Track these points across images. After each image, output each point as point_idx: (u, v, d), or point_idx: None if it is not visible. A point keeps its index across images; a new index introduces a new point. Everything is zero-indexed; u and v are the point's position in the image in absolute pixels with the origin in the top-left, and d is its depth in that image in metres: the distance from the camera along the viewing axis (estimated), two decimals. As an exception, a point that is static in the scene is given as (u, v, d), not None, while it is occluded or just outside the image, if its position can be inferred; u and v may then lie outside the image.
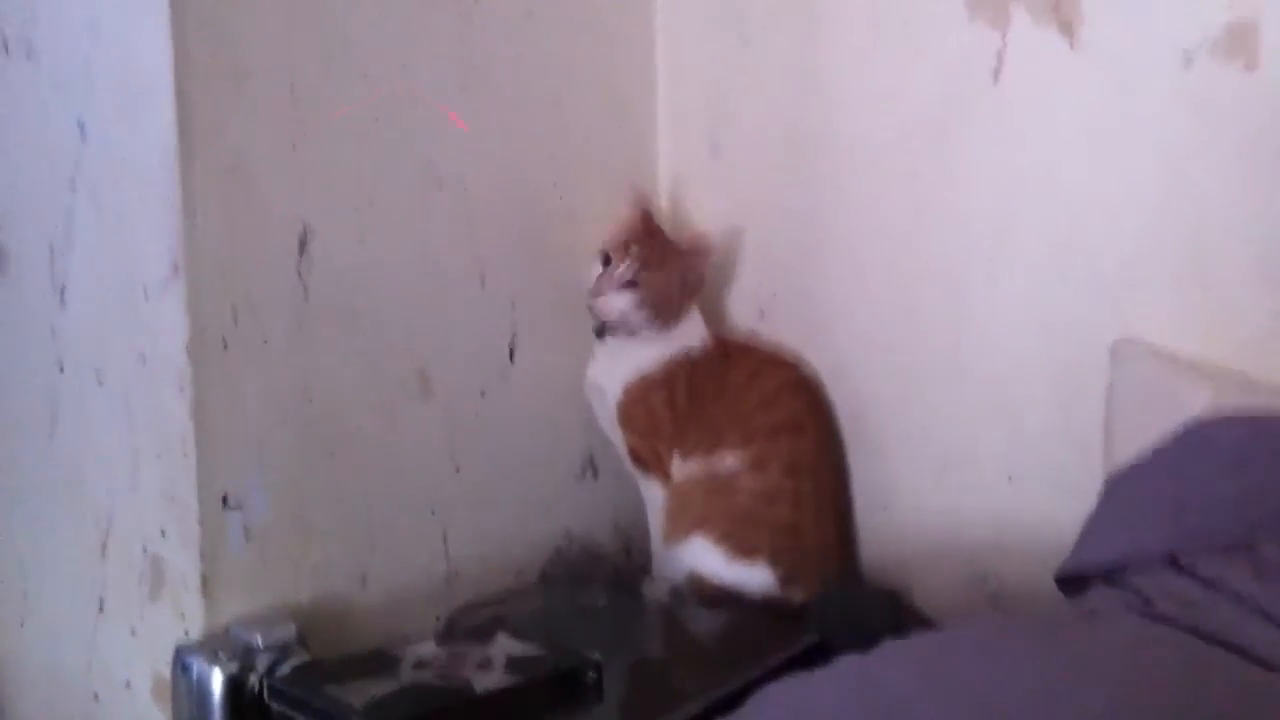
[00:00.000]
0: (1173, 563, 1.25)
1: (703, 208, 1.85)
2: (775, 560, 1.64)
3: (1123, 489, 1.38)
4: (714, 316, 1.84)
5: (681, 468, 1.72)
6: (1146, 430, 1.39)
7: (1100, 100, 1.51)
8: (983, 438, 1.64)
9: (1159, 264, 1.50)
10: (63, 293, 1.51)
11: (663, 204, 1.91)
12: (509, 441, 1.71)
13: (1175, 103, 1.46)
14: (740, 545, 1.65)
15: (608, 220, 1.78)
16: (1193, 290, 1.48)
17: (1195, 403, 1.39)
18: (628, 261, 1.69)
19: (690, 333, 1.74)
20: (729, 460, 1.67)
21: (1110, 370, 1.49)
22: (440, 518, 1.63)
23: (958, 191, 1.63)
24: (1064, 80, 1.53)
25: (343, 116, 1.49)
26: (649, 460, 1.75)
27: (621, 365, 1.74)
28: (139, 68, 1.37)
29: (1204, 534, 1.26)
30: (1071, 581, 1.34)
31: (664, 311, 1.72)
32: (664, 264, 1.71)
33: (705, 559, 1.66)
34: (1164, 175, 1.48)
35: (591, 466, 1.82)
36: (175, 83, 1.34)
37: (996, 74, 1.58)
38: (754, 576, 1.64)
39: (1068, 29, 1.52)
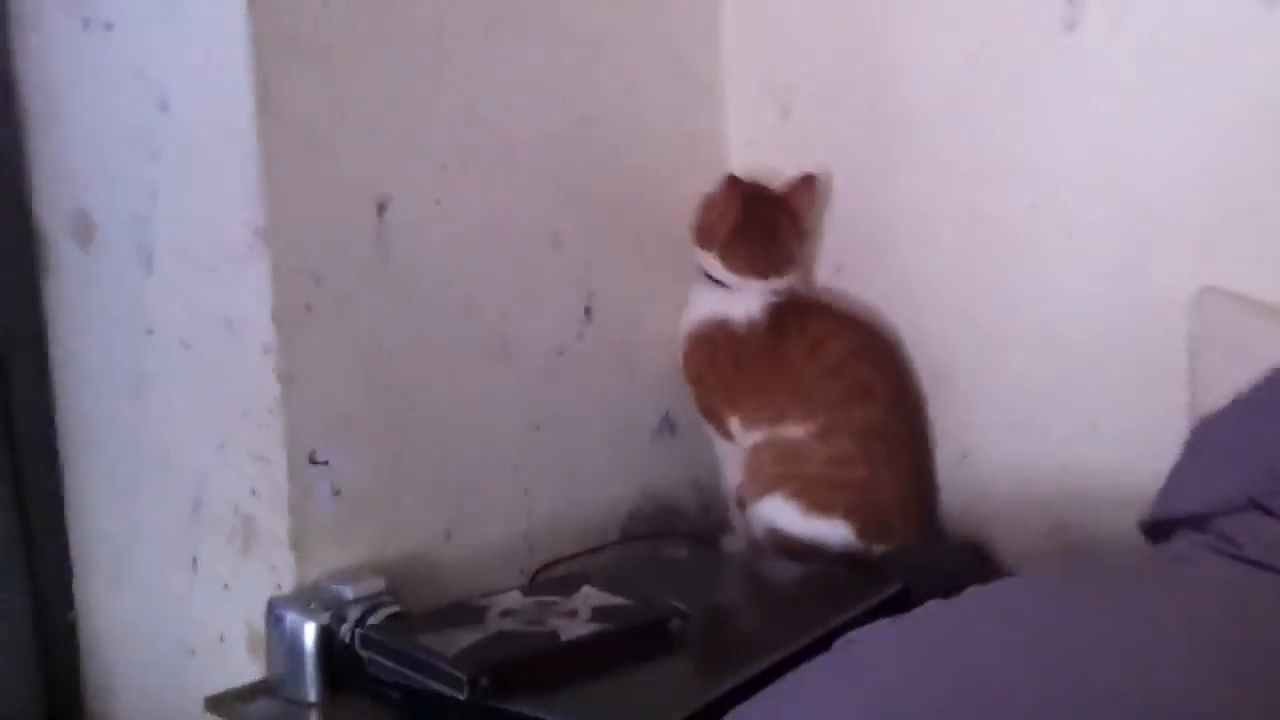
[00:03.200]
0: (1259, 507, 1.24)
1: (775, 168, 1.84)
2: (852, 516, 1.64)
3: (1208, 435, 1.36)
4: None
5: (746, 435, 1.72)
6: (1231, 377, 1.37)
7: (1180, 45, 1.49)
8: (1064, 387, 1.63)
9: (1244, 211, 1.48)
10: (149, 261, 1.54)
11: (733, 165, 1.91)
12: (587, 400, 1.73)
13: (1257, 44, 1.44)
14: (816, 502, 1.65)
15: (679, 182, 1.79)
16: (1277, 236, 1.46)
17: (1280, 349, 1.38)
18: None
19: (738, 301, 1.73)
20: (795, 431, 1.67)
21: (1194, 318, 1.47)
22: (521, 475, 1.65)
23: (1037, 142, 1.61)
24: (1142, 28, 1.51)
25: (418, 86, 1.51)
26: (710, 415, 1.76)
27: (689, 312, 1.76)
28: (217, 39, 1.39)
29: (1293, 477, 1.24)
30: (1157, 529, 1.33)
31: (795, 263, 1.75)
32: (782, 222, 1.73)
33: (782, 515, 1.66)
34: (1247, 119, 1.46)
35: (669, 425, 1.83)
36: (253, 54, 1.36)
37: (1073, 24, 1.56)
38: (832, 531, 1.64)
39: (1151, -32, 1.50)
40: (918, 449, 1.74)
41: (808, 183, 1.76)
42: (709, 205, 1.74)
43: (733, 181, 1.72)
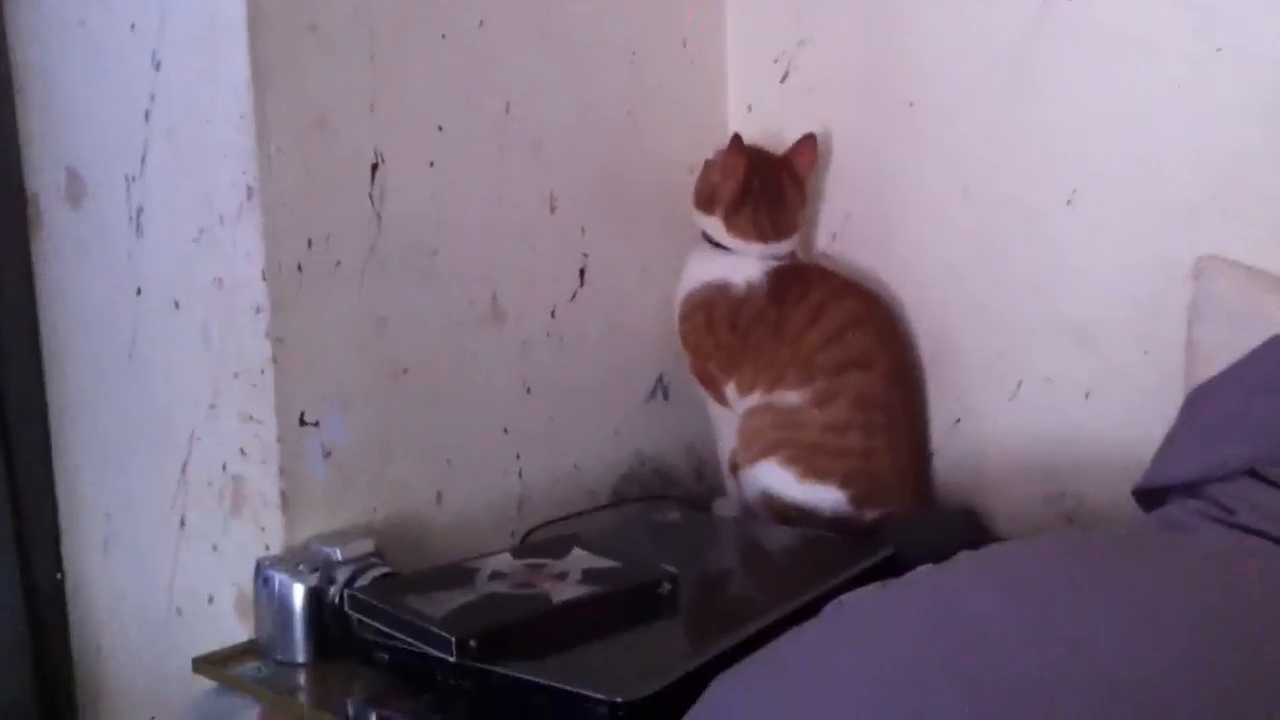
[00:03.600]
0: (1254, 474, 1.24)
1: (774, 133, 1.83)
2: (847, 483, 1.64)
3: (1204, 402, 1.36)
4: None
5: (741, 401, 1.71)
6: (1229, 345, 1.37)
7: (1181, 19, 1.48)
8: (1060, 354, 1.62)
9: (1243, 183, 1.47)
10: (139, 221, 1.53)
11: (731, 128, 1.89)
12: (579, 364, 1.72)
13: (1261, 19, 1.43)
14: (811, 468, 1.64)
15: (677, 146, 1.79)
16: (1276, 207, 1.45)
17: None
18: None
19: (738, 265, 1.72)
20: (791, 397, 1.66)
21: (1194, 286, 1.46)
22: (513, 438, 1.64)
23: (1036, 112, 1.61)
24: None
25: (414, 50, 1.50)
26: (704, 380, 1.75)
27: (687, 276, 1.76)
28: (212, 3, 1.38)
29: (1287, 444, 1.24)
30: (1150, 496, 1.32)
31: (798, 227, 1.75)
32: (785, 185, 1.73)
33: (776, 479, 1.66)
34: (1250, 94, 1.45)
35: (662, 388, 1.83)
36: (248, 17, 1.35)
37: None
38: (826, 496, 1.64)
39: (1150, -51, 1.48)
40: (914, 418, 1.73)
41: (809, 143, 1.75)
42: (712, 169, 1.73)
43: (737, 143, 1.71)
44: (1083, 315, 1.60)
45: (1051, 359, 1.64)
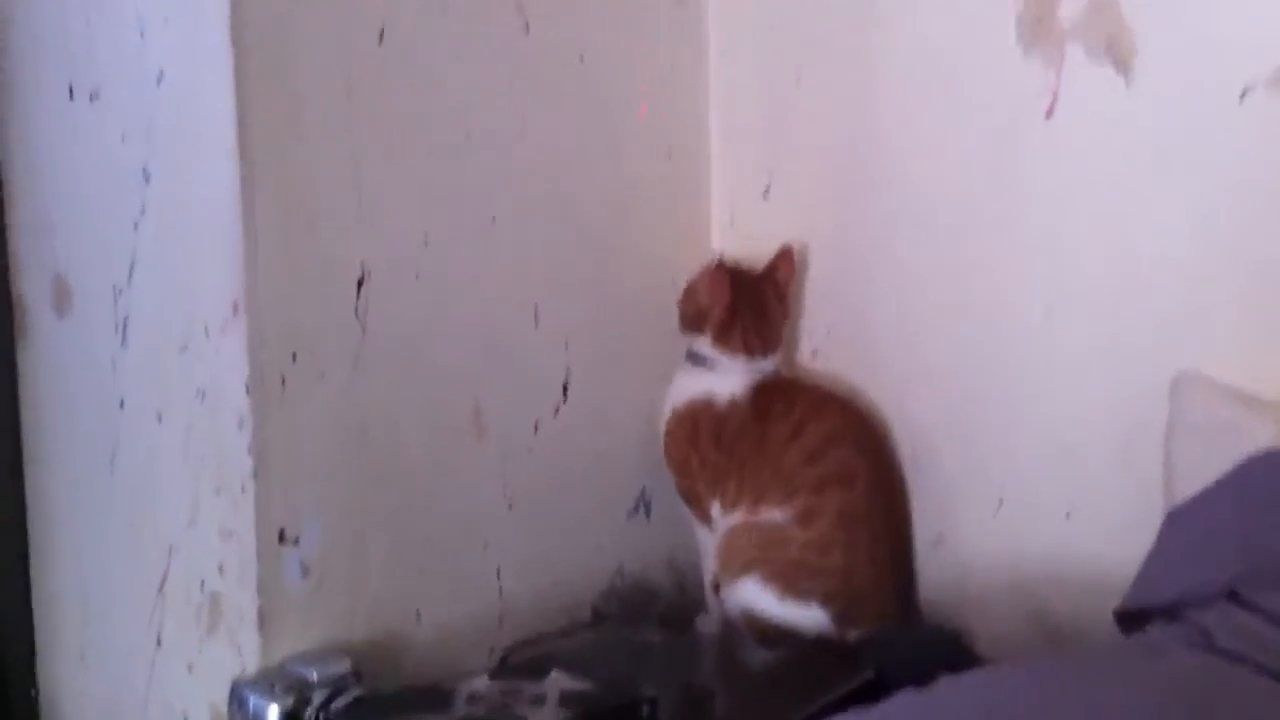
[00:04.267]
0: (1235, 597, 1.23)
1: (756, 245, 1.85)
2: (829, 601, 1.63)
3: (1184, 523, 1.36)
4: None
5: (725, 518, 1.70)
6: (1208, 464, 1.37)
7: (1156, 134, 1.50)
8: (1041, 472, 1.62)
9: (1219, 297, 1.48)
10: (124, 331, 1.54)
11: (714, 243, 1.92)
12: (562, 478, 1.72)
13: (1232, 136, 1.45)
14: (792, 588, 1.63)
15: (661, 261, 1.81)
16: (1254, 323, 1.47)
17: (1258, 436, 1.37)
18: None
19: (722, 380, 1.73)
20: (775, 514, 1.65)
21: (1171, 404, 1.47)
22: (493, 553, 1.64)
23: (1014, 227, 1.62)
24: (1119, 115, 1.52)
25: (401, 160, 1.52)
26: (690, 498, 1.75)
27: (671, 394, 1.76)
28: (203, 115, 1.40)
29: (1267, 568, 1.24)
30: (1131, 618, 1.32)
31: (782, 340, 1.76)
32: (769, 300, 1.75)
33: (757, 598, 1.64)
34: (1222, 208, 1.47)
35: (645, 503, 1.82)
36: (238, 131, 1.37)
37: (1050, 110, 1.58)
38: (808, 615, 1.62)
39: (1122, 65, 1.51)
40: (897, 535, 1.72)
41: (787, 257, 1.77)
42: (696, 291, 1.74)
43: (721, 266, 1.73)
44: (1063, 430, 1.60)
45: (1033, 474, 1.64)
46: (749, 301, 1.72)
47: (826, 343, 1.82)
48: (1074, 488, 1.60)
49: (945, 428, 1.71)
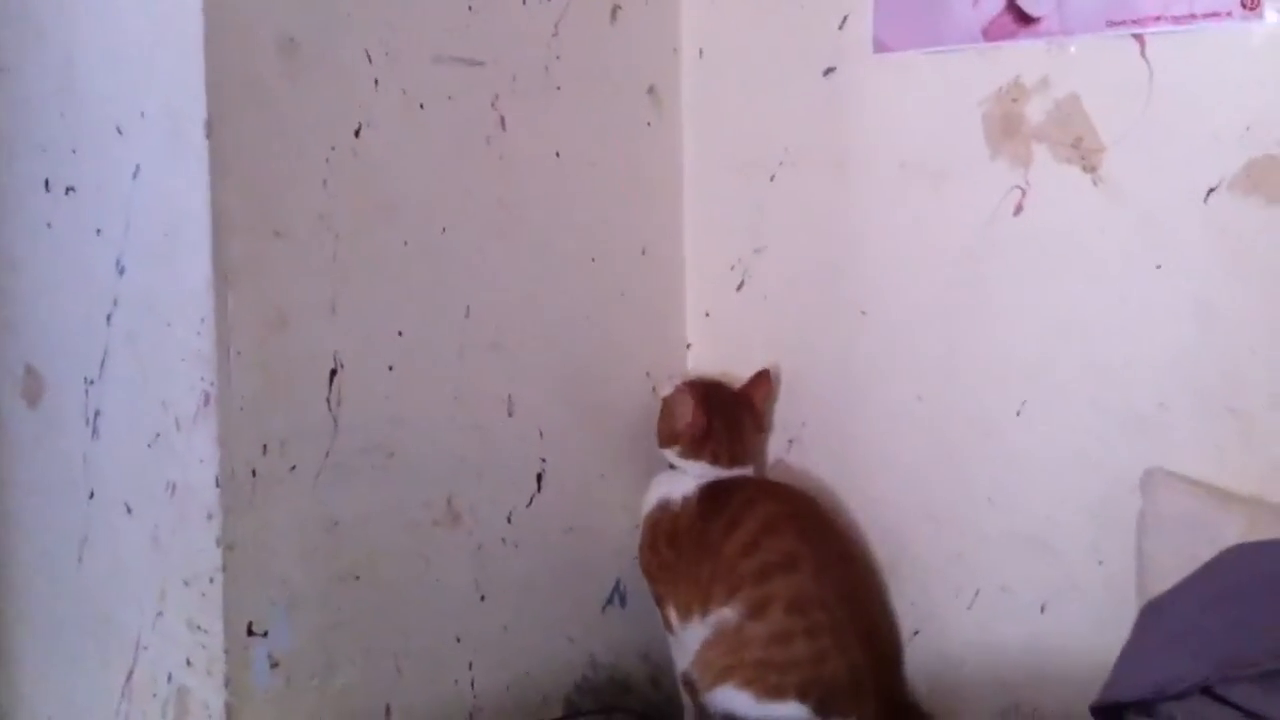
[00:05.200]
0: (1209, 692, 1.23)
1: (731, 339, 1.86)
2: (805, 694, 1.60)
3: (1158, 618, 1.36)
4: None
5: (685, 630, 1.69)
6: (1180, 559, 1.38)
7: (1123, 234, 1.54)
8: (1015, 566, 1.63)
9: (1188, 394, 1.51)
10: (95, 423, 1.54)
11: (689, 337, 1.93)
12: (536, 569, 1.71)
13: (1198, 236, 1.49)
14: (765, 686, 1.61)
15: (636, 353, 1.82)
16: (1222, 419, 1.48)
17: (1229, 531, 1.39)
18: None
19: (681, 482, 1.74)
20: (726, 613, 1.64)
21: (1142, 499, 1.48)
22: (465, 646, 1.62)
23: (986, 323, 1.65)
24: (1087, 214, 1.55)
25: (376, 253, 1.53)
26: (657, 602, 1.74)
27: (645, 499, 1.77)
28: (178, 210, 1.41)
29: (1241, 663, 1.23)
30: (1107, 712, 1.31)
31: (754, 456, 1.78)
32: (744, 419, 1.77)
33: (735, 703, 1.62)
34: (1189, 307, 1.50)
35: (619, 594, 1.81)
36: (212, 227, 1.38)
37: (1019, 208, 1.60)
38: (787, 712, 1.60)
39: (1089, 166, 1.55)
40: (865, 617, 1.69)
41: (764, 378, 1.80)
42: (671, 412, 1.75)
43: (693, 387, 1.75)
44: (1037, 523, 1.61)
45: (1008, 567, 1.64)
46: (724, 420, 1.75)
47: (802, 434, 1.83)
48: (1048, 581, 1.60)
49: (921, 521, 1.71)
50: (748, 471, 1.77)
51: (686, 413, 1.73)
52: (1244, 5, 1.45)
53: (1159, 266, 1.51)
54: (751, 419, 1.78)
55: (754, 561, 1.63)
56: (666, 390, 1.78)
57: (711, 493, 1.72)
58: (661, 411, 1.77)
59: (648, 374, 1.81)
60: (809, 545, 1.66)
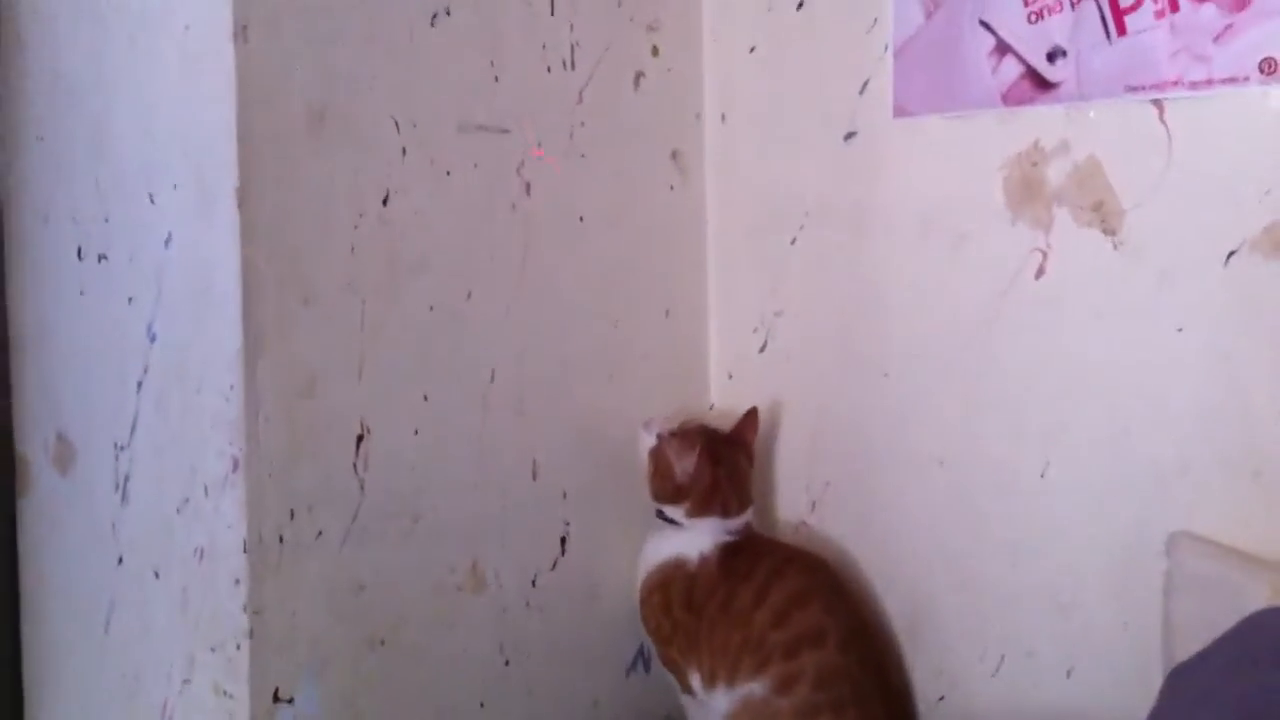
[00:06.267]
0: (1237, 761, 1.22)
1: (753, 402, 1.87)
2: (832, 764, 1.60)
3: (1183, 685, 1.35)
4: (764, 508, 1.85)
5: (710, 695, 1.67)
6: (1206, 622, 1.37)
7: (1144, 296, 1.54)
8: (1040, 630, 1.63)
9: (1210, 456, 1.51)
10: (125, 488, 1.55)
11: (713, 398, 1.94)
12: (559, 634, 1.71)
13: (1218, 299, 1.49)
14: None
15: (660, 412, 1.83)
16: (1245, 481, 1.49)
17: (1255, 595, 1.38)
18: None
19: (693, 540, 1.71)
20: (754, 688, 1.63)
21: (1167, 562, 1.48)
22: (490, 711, 1.62)
23: (1008, 384, 1.65)
24: (1107, 277, 1.57)
25: (403, 318, 1.54)
26: (670, 666, 1.72)
27: (645, 557, 1.75)
28: (208, 278, 1.42)
29: (1269, 730, 1.23)
30: (1134, 781, 1.30)
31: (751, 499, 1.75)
32: (740, 462, 1.75)
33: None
34: (1210, 369, 1.50)
35: (643, 659, 1.81)
36: (242, 294, 1.39)
37: (1041, 270, 1.61)
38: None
39: (1109, 229, 1.56)
40: (888, 689, 1.69)
41: (754, 417, 1.79)
42: (670, 467, 1.71)
43: (689, 437, 1.72)
44: (1062, 586, 1.61)
45: (1032, 631, 1.64)
46: (724, 467, 1.73)
47: (825, 496, 1.84)
48: (1074, 646, 1.60)
49: (945, 585, 1.71)
50: (748, 517, 1.74)
51: (689, 466, 1.70)
52: (1262, 70, 1.47)
53: (1180, 329, 1.52)
54: (747, 460, 1.76)
55: (783, 634, 1.62)
56: (648, 441, 1.74)
57: (732, 554, 1.70)
58: (655, 465, 1.73)
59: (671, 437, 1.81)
60: (834, 618, 1.65)
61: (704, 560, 1.70)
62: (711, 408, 1.94)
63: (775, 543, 1.78)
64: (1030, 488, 1.63)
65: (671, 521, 1.73)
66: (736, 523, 1.72)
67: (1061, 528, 1.61)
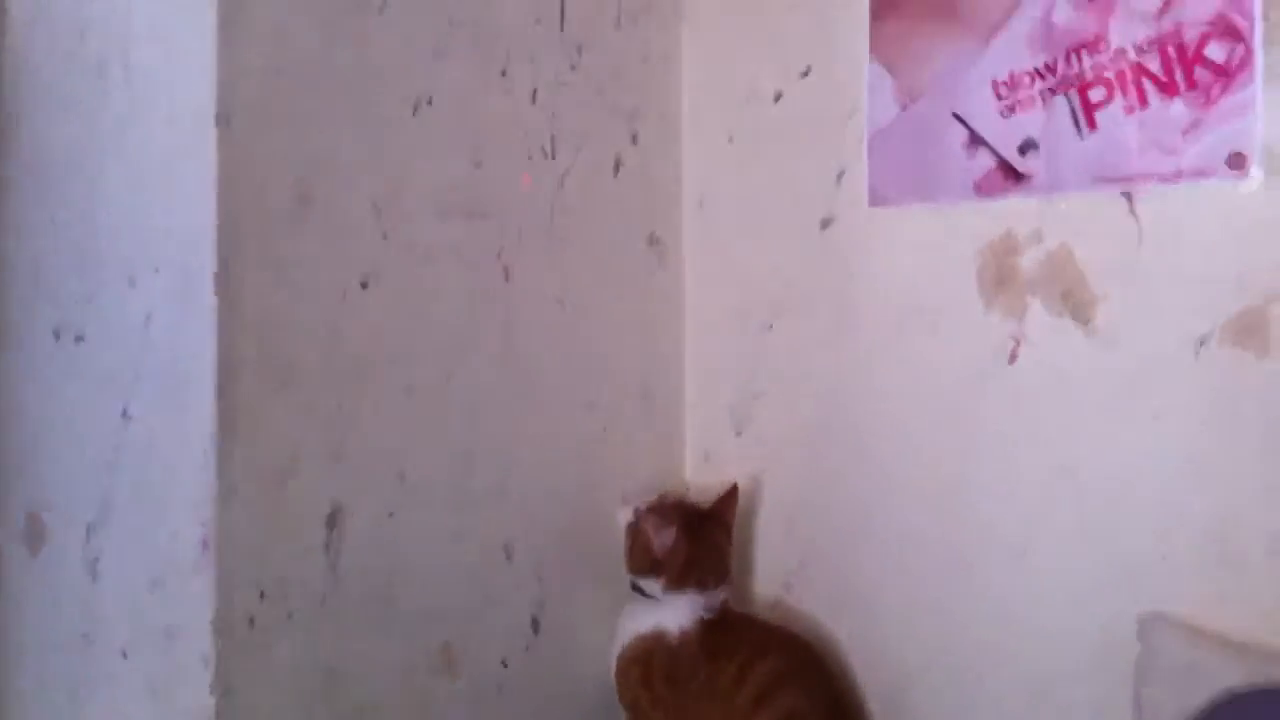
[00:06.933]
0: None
1: (729, 480, 1.87)
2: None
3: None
4: (741, 586, 1.85)
5: None
6: (1178, 706, 1.38)
7: (1117, 383, 1.56)
8: (1016, 715, 1.62)
9: (1181, 541, 1.52)
10: (95, 568, 1.54)
11: (688, 479, 1.94)
12: (531, 716, 1.70)
13: (1189, 386, 1.51)
14: None
15: (635, 493, 1.83)
16: (1219, 566, 1.49)
17: (1227, 677, 1.38)
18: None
19: (672, 614, 1.70)
20: None
21: (1139, 644, 1.48)
22: (460, 798, 1.60)
23: (983, 469, 1.67)
24: (1080, 364, 1.59)
25: (380, 400, 1.55)
26: None
27: (621, 631, 1.73)
28: (186, 359, 1.43)
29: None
30: None
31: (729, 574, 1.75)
32: (719, 537, 1.75)
33: None
34: (1181, 455, 1.52)
35: (615, 742, 1.80)
36: (218, 375, 1.39)
37: (1013, 357, 1.63)
38: None
39: (1082, 318, 1.58)
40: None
41: (734, 495, 1.79)
42: (647, 541, 1.71)
43: (667, 512, 1.72)
44: (1036, 671, 1.61)
45: (1008, 715, 1.63)
46: (702, 542, 1.72)
47: (799, 577, 1.84)
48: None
49: (920, 667, 1.71)
50: (727, 592, 1.74)
51: (667, 540, 1.69)
52: (1229, 165, 1.49)
53: (1155, 417, 1.53)
54: (724, 535, 1.76)
55: (766, 716, 1.62)
56: (626, 516, 1.74)
57: (713, 631, 1.69)
58: (632, 540, 1.73)
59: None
60: (815, 701, 1.65)
61: (684, 635, 1.69)
62: (688, 489, 1.94)
63: (756, 620, 1.78)
64: (1005, 572, 1.63)
65: (647, 595, 1.72)
66: (714, 598, 1.71)
67: (1036, 611, 1.61)
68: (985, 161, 1.66)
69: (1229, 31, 1.49)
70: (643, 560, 1.72)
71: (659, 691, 1.68)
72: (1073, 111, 1.59)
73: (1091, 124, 1.58)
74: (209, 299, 1.39)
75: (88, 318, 1.55)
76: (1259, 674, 1.37)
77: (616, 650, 1.73)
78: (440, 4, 1.61)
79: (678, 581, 1.70)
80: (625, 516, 1.75)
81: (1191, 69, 1.51)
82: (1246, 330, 1.48)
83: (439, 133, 1.61)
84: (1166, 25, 1.53)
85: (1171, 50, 1.53)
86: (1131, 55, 1.55)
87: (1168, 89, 1.53)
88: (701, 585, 1.71)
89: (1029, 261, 1.62)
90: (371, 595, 1.53)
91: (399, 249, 1.56)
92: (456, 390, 1.63)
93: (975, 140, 1.66)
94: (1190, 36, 1.52)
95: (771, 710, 1.62)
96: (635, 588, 1.74)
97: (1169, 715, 1.38)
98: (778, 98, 1.86)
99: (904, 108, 1.72)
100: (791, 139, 1.84)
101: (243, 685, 1.41)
